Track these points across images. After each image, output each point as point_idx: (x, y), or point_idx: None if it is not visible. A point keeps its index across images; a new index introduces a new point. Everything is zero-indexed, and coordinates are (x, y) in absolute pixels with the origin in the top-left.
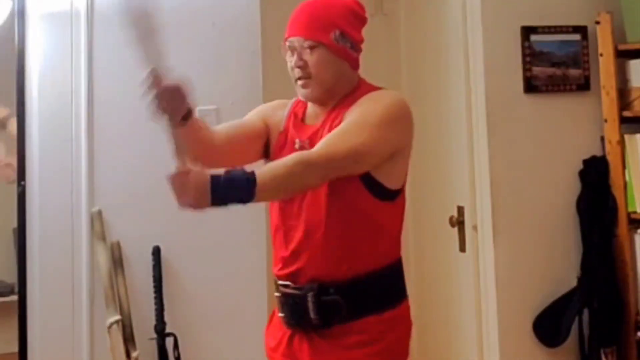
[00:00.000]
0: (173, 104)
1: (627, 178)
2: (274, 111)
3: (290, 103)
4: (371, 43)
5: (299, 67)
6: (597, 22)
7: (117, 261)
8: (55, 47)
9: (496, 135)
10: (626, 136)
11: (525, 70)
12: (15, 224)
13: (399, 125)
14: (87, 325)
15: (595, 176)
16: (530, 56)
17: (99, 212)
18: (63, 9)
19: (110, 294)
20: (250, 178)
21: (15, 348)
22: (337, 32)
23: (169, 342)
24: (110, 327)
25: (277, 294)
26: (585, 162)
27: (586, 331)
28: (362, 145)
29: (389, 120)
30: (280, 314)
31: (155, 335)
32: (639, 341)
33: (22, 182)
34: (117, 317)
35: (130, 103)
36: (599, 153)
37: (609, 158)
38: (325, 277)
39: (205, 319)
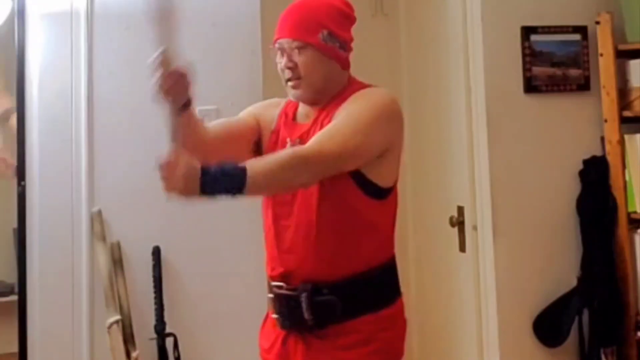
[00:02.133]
0: (177, 88)
1: (627, 178)
2: (266, 110)
3: (282, 102)
4: (371, 43)
5: (288, 68)
6: (597, 22)
7: (117, 261)
8: (55, 47)
9: (496, 135)
10: (626, 136)
11: (525, 70)
12: (15, 224)
13: (389, 123)
14: (87, 325)
15: (595, 176)
16: (530, 56)
17: (99, 212)
18: (63, 9)
19: (110, 294)
20: (242, 170)
21: (15, 348)
22: (325, 32)
23: (169, 342)
24: (110, 327)
25: (270, 295)
26: (585, 162)
27: (586, 331)
28: (353, 144)
29: (378, 118)
30: (274, 315)
31: (155, 335)
32: (639, 341)
33: (22, 182)
34: (117, 317)
35: (130, 103)
36: (599, 153)
37: (609, 158)
38: (318, 277)
39: (205, 319)
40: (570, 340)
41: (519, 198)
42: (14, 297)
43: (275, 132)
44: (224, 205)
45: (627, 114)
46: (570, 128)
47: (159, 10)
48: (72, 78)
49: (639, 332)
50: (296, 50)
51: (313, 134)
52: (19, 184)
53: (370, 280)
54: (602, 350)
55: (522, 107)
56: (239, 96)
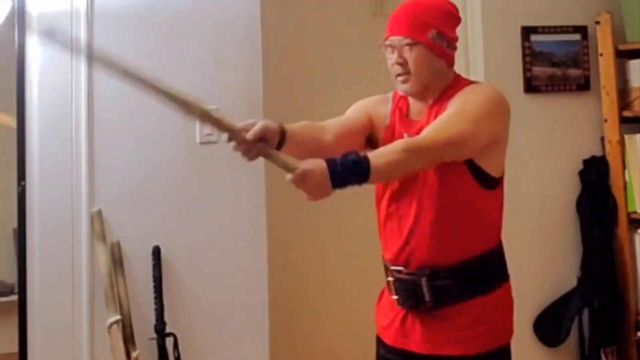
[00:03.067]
0: (260, 146)
1: (627, 178)
2: (375, 106)
3: (390, 98)
4: (371, 43)
5: (399, 64)
6: (597, 22)
7: (117, 261)
8: (55, 47)
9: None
10: (626, 136)
11: (525, 70)
12: (15, 224)
13: (497, 115)
14: (87, 325)
15: (595, 176)
16: (530, 56)
17: (99, 212)
18: (63, 9)
19: (110, 294)
20: (365, 160)
21: (15, 348)
22: (434, 32)
23: (169, 342)
24: (110, 327)
25: (390, 278)
26: (585, 162)
27: (586, 331)
28: (462, 133)
29: (487, 110)
30: (394, 297)
31: (155, 335)
32: (639, 341)
33: (22, 182)
34: (117, 317)
35: (130, 103)
36: (599, 153)
37: (609, 158)
38: (435, 262)
39: (205, 319)
40: (570, 340)
41: (519, 198)
42: (14, 297)
43: (390, 127)
44: (224, 205)
45: (627, 114)
46: (570, 128)
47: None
48: (72, 78)
49: (639, 332)
50: (407, 47)
51: None
52: (19, 184)
53: (482, 265)
54: (602, 350)
55: (522, 107)
56: (239, 96)
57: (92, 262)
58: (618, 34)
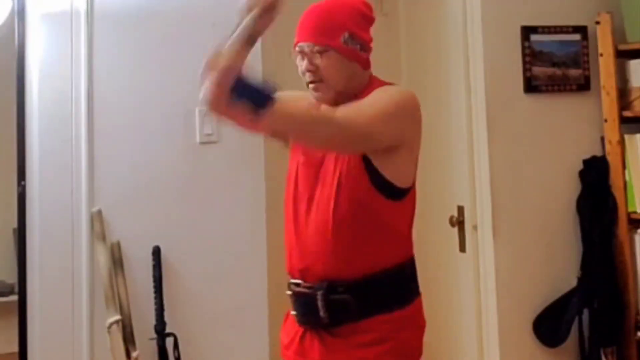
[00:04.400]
0: (267, 17)
1: (627, 178)
2: (296, 101)
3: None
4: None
5: (310, 71)
6: (597, 22)
7: (117, 261)
8: (55, 47)
9: (496, 135)
10: (626, 136)
11: (525, 70)
12: (15, 224)
13: (405, 114)
14: (87, 325)
15: (595, 176)
16: (530, 56)
17: (99, 212)
18: (63, 9)
19: (110, 294)
20: (274, 90)
21: (15, 348)
22: (346, 35)
23: (169, 342)
24: (110, 327)
25: (288, 292)
26: (585, 162)
27: (586, 331)
28: (369, 124)
29: (394, 109)
30: (292, 312)
31: (155, 335)
32: (639, 341)
33: (22, 182)
34: (117, 317)
35: (130, 103)
36: (599, 153)
37: (609, 158)
38: (334, 276)
39: (205, 319)
40: (570, 340)
41: (519, 198)
42: (14, 297)
43: None
44: (224, 205)
45: (627, 114)
46: (570, 128)
47: None
48: (72, 78)
49: (639, 332)
50: (317, 54)
51: None
52: (19, 184)
53: (386, 281)
54: (602, 350)
55: (522, 107)
56: None
57: (92, 262)
58: (618, 34)
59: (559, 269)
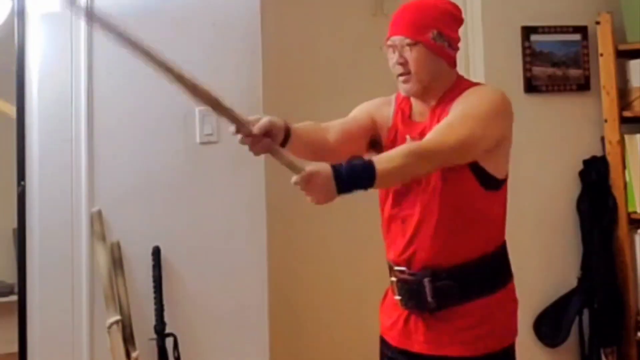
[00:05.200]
0: (267, 144)
1: (627, 178)
2: (378, 108)
3: (393, 100)
4: (371, 43)
5: (400, 63)
6: (597, 22)
7: (117, 261)
8: (55, 47)
9: None
10: (626, 136)
11: (525, 70)
12: (15, 224)
13: (501, 117)
14: (87, 325)
15: (595, 176)
16: (530, 56)
17: (99, 212)
18: (63, 9)
19: (110, 294)
20: (370, 166)
21: (15, 348)
22: (435, 32)
23: (169, 342)
24: (110, 327)
25: (393, 278)
26: (585, 162)
27: (586, 331)
28: (469, 137)
29: (492, 112)
30: (397, 297)
31: (155, 336)
32: (639, 341)
33: (22, 182)
34: (117, 317)
35: (130, 103)
36: (599, 153)
37: (609, 158)
38: (437, 263)
39: (205, 319)
40: (570, 340)
41: (519, 198)
42: (14, 297)
43: (393, 129)
44: (224, 205)
45: (627, 114)
46: (570, 128)
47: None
48: (72, 78)
49: (639, 332)
50: (407, 48)
51: (430, 130)
52: (19, 184)
53: (484, 266)
54: (602, 350)
55: (522, 107)
56: (239, 96)
57: (92, 262)
58: (618, 34)
59: (559, 269)
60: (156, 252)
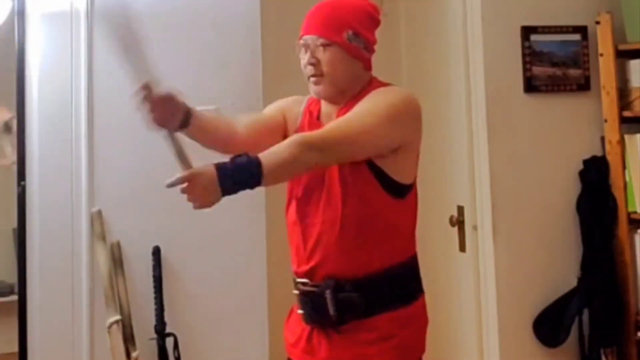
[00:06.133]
0: (167, 113)
1: (627, 178)
2: (290, 107)
3: (305, 100)
4: None
5: (311, 64)
6: (597, 22)
7: (117, 261)
8: (55, 47)
9: (496, 135)
10: (626, 136)
11: (525, 70)
12: (15, 224)
13: (403, 118)
14: (87, 325)
15: (595, 176)
16: (530, 56)
17: (99, 212)
18: (63, 9)
19: (110, 294)
20: (256, 161)
21: (15, 348)
22: (351, 32)
23: (169, 342)
24: (110, 327)
25: (295, 291)
26: (585, 162)
27: (586, 331)
28: (362, 128)
29: (394, 111)
30: (300, 311)
31: (155, 335)
32: (639, 341)
33: (22, 182)
34: (117, 317)
35: (130, 103)
36: (599, 153)
37: (609, 158)
38: (340, 274)
39: (205, 319)
40: (570, 340)
41: (519, 198)
42: (14, 297)
43: (300, 129)
44: (224, 205)
45: (627, 114)
46: (570, 128)
47: (115, 26)
48: (72, 78)
49: (639, 332)
50: (321, 48)
51: None
52: (19, 184)
53: (391, 278)
54: (602, 350)
55: (522, 107)
56: (239, 96)
57: (92, 262)
58: (618, 34)
59: (559, 269)
60: (156, 252)
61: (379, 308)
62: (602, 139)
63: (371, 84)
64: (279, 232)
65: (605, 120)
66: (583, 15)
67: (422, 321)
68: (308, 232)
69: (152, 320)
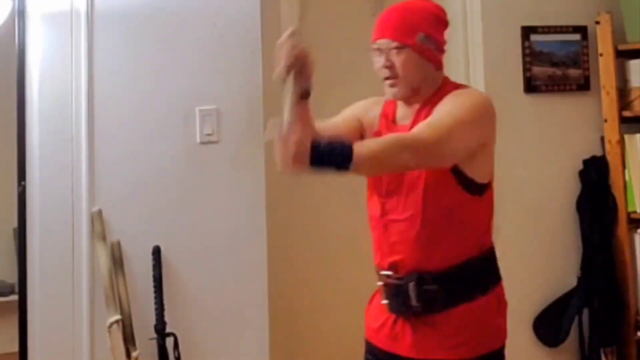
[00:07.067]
0: (303, 71)
1: (627, 178)
2: (367, 111)
3: (381, 102)
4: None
5: (386, 67)
6: (597, 22)
7: (117, 261)
8: (55, 47)
9: (496, 135)
10: (626, 136)
11: (525, 70)
12: (15, 224)
13: (484, 120)
14: (87, 325)
15: (595, 176)
16: (530, 56)
17: (99, 212)
18: (63, 9)
19: (110, 294)
20: (349, 147)
21: (15, 348)
22: (422, 35)
23: (169, 342)
24: (110, 327)
25: (379, 282)
26: (585, 162)
27: (586, 331)
28: (447, 136)
29: (475, 114)
30: (384, 301)
31: (155, 335)
32: (639, 341)
33: (22, 182)
34: (117, 317)
35: (130, 103)
36: (599, 153)
37: (609, 158)
38: (422, 268)
39: (205, 319)
40: (570, 340)
41: (519, 198)
42: (14, 297)
43: (378, 133)
44: (224, 205)
45: (627, 114)
46: (570, 128)
47: None
48: (72, 78)
49: (639, 332)
50: (394, 51)
51: None
52: (19, 184)
53: (469, 270)
54: (602, 350)
55: (522, 107)
56: (239, 96)
57: (92, 262)
58: (618, 34)
59: (559, 269)
60: (156, 252)
61: (460, 298)
62: (602, 138)
63: (445, 85)
64: (279, 232)
65: (605, 120)
66: (583, 15)
67: (502, 307)
68: (389, 228)
69: (152, 320)
